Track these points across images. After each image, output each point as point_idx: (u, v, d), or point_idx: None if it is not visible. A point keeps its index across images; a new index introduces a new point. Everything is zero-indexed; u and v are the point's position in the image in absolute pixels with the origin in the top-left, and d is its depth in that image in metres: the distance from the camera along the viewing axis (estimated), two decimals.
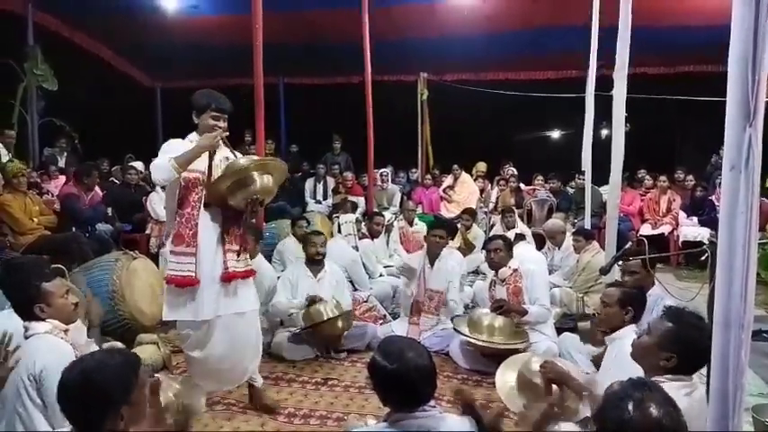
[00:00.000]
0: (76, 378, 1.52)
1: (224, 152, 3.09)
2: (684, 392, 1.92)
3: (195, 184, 2.95)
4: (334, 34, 8.20)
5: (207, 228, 2.97)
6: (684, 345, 1.97)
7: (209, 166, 3.00)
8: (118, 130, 10.13)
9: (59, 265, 3.61)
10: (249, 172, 2.90)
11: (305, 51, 8.99)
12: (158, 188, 6.50)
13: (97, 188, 6.79)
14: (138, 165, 7.59)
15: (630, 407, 1.41)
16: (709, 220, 7.01)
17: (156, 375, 2.50)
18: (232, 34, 6.67)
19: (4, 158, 6.24)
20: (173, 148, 2.93)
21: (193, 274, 2.90)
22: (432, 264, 4.55)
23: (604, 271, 3.11)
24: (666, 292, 3.23)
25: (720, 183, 7.65)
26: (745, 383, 1.42)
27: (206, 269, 2.94)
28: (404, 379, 1.74)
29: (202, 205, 2.96)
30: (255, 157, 3.32)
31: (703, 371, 2.00)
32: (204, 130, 2.99)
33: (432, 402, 1.81)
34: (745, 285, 1.35)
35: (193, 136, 3.06)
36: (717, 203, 7.56)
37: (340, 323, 4.03)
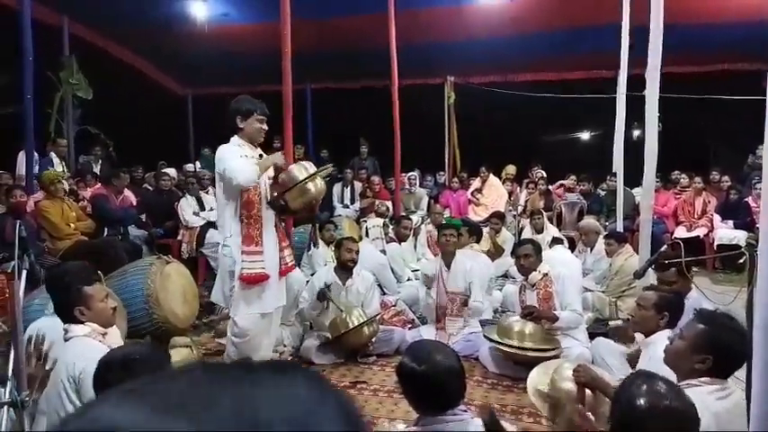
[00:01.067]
0: (117, 358, 1.60)
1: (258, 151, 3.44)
2: (718, 396, 1.88)
3: (257, 188, 3.30)
4: (362, 39, 8.24)
5: (268, 227, 3.34)
6: (719, 346, 1.93)
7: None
8: (151, 137, 10.35)
9: (96, 270, 3.72)
10: (308, 181, 3.31)
11: (332, 57, 9.06)
12: (188, 195, 6.64)
13: (129, 192, 6.98)
14: (171, 171, 7.76)
15: (641, 395, 1.42)
16: (744, 224, 6.80)
17: None
18: (261, 42, 6.77)
19: (58, 168, 6.44)
20: (235, 154, 3.21)
21: (264, 270, 3.28)
22: (448, 266, 4.52)
23: (638, 275, 3.06)
24: (704, 296, 3.14)
25: (754, 185, 7.46)
26: None
27: (270, 265, 3.34)
28: (433, 380, 1.74)
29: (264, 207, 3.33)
30: (308, 166, 3.53)
31: (740, 375, 1.95)
32: (250, 132, 3.31)
33: (462, 407, 1.79)
34: None
35: (237, 140, 3.31)
36: (753, 205, 7.34)
37: (366, 330, 4.03)
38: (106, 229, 5.59)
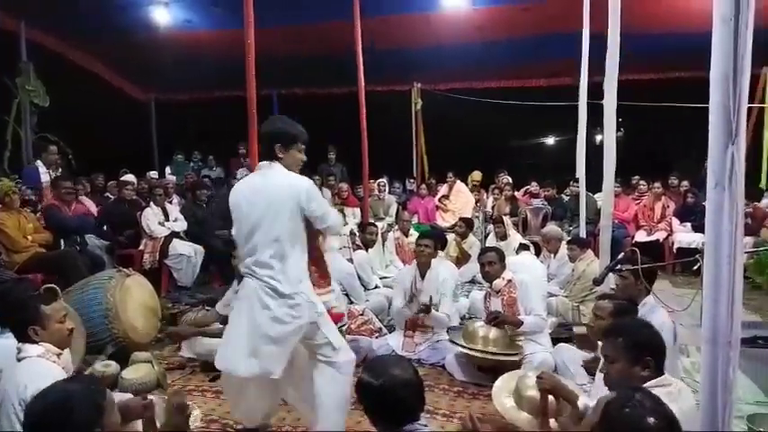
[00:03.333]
0: (43, 416, 1.52)
1: None
2: (671, 399, 1.93)
3: None
4: (328, 46, 8.24)
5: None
6: (648, 345, 2.01)
7: None
8: (112, 144, 10.13)
9: (52, 285, 3.61)
10: None
11: (298, 63, 9.02)
12: (152, 204, 6.50)
13: (88, 201, 6.80)
14: (131, 178, 7.59)
15: (636, 412, 1.44)
16: (701, 226, 7.02)
17: (149, 397, 2.50)
18: (225, 48, 6.70)
19: (45, 177, 6.22)
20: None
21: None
22: (422, 276, 4.54)
23: (597, 282, 3.12)
24: (659, 301, 3.23)
25: None
26: (734, 399, 1.42)
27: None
28: (391, 394, 1.74)
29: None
30: None
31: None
32: (292, 163, 2.77)
33: (423, 421, 1.80)
34: (731, 303, 1.35)
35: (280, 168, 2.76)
36: None
37: None
38: (63, 241, 5.41)
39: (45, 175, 6.34)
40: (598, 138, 8.87)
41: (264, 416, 3.06)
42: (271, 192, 2.64)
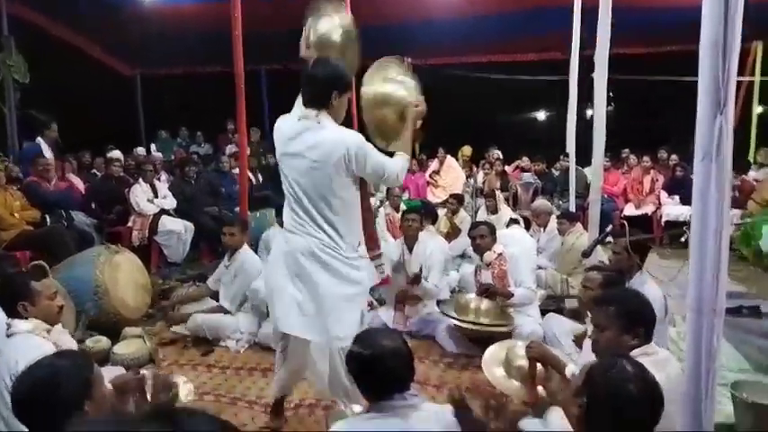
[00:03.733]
0: (30, 393, 1.51)
1: None
2: (657, 367, 1.97)
3: None
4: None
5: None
6: (639, 314, 2.05)
7: None
8: (99, 120, 9.98)
9: (40, 262, 3.60)
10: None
11: (286, 37, 8.86)
12: (141, 180, 6.44)
13: (72, 177, 6.74)
14: (118, 154, 7.50)
15: (618, 377, 1.47)
16: (690, 198, 7.10)
17: (141, 372, 2.51)
18: (212, 22, 6.59)
19: (47, 154, 6.09)
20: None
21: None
22: (410, 250, 4.56)
23: (586, 254, 3.15)
24: (648, 274, 3.27)
25: None
26: (718, 367, 1.45)
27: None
28: (380, 364, 1.75)
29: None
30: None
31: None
32: (339, 113, 2.58)
33: (413, 390, 1.82)
34: (717, 272, 1.37)
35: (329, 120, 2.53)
36: None
37: None
38: (48, 217, 5.35)
39: (48, 152, 6.19)
40: (589, 112, 8.85)
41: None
42: (325, 145, 2.43)
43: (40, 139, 6.28)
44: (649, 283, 3.12)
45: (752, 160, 8.38)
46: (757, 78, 8.56)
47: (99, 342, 3.70)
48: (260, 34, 8.14)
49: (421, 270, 4.39)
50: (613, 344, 2.02)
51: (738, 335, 4.19)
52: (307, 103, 2.52)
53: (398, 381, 1.79)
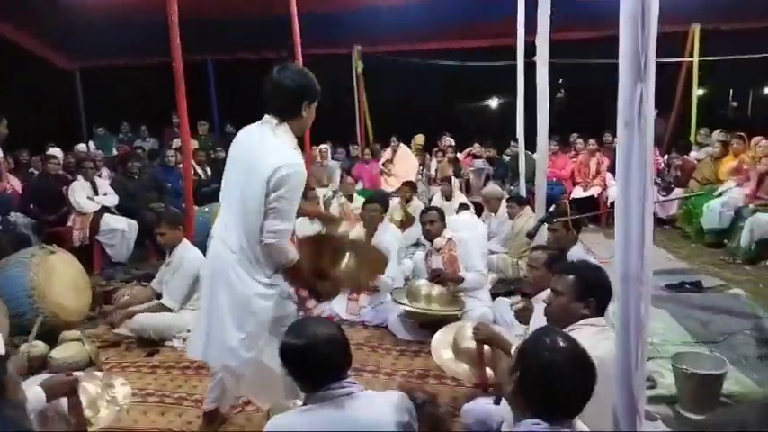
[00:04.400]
0: None
1: None
2: (603, 337, 1.99)
3: None
4: (262, 8, 7.92)
5: None
6: (594, 286, 2.09)
7: None
8: (37, 117, 9.53)
9: None
10: None
11: (232, 27, 8.66)
12: (80, 177, 6.18)
13: (9, 177, 6.42)
14: (57, 152, 7.18)
15: (544, 347, 1.47)
16: None
17: (72, 374, 2.39)
18: (153, 11, 6.33)
19: None
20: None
21: None
22: (369, 239, 4.52)
23: (530, 235, 3.18)
24: (586, 250, 3.33)
25: None
26: (647, 336, 1.45)
27: None
28: (315, 352, 1.69)
29: None
30: None
31: None
32: (306, 124, 2.40)
33: (350, 379, 1.77)
34: (641, 240, 1.37)
35: (288, 132, 2.33)
36: None
37: None
38: None
39: None
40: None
41: None
42: (264, 159, 2.23)
43: None
44: (587, 256, 3.19)
45: (693, 141, 8.67)
46: (696, 60, 8.83)
47: (36, 347, 3.52)
48: (207, 24, 7.92)
49: None
50: (565, 309, 2.10)
51: (681, 309, 4.33)
52: (272, 112, 2.33)
53: (334, 369, 1.73)
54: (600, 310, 2.10)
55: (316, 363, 1.70)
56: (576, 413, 1.46)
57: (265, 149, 2.26)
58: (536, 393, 1.43)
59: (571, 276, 2.13)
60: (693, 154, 7.96)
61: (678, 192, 7.25)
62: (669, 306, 4.38)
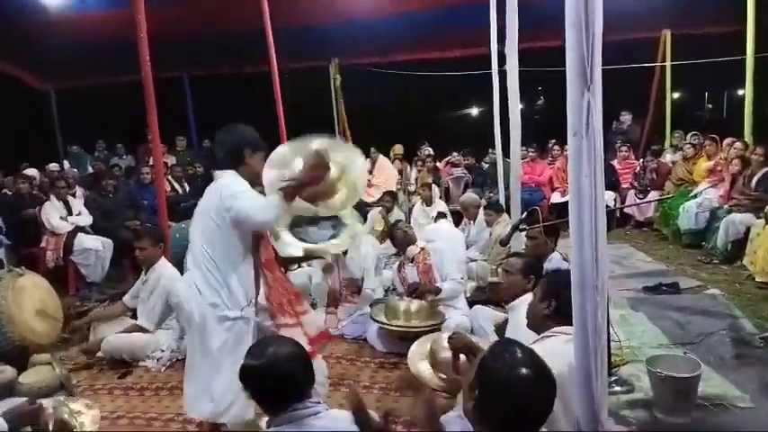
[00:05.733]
0: None
1: None
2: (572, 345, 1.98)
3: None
4: (236, 23, 7.90)
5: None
6: (557, 290, 2.10)
7: None
8: (10, 137, 9.40)
9: None
10: None
11: (207, 42, 8.63)
12: (52, 197, 6.08)
13: None
14: (32, 172, 7.07)
15: (503, 363, 1.44)
16: (610, 184, 7.37)
17: (36, 402, 2.33)
18: (125, 29, 6.29)
19: None
20: (245, 186, 2.48)
21: None
22: (345, 251, 4.50)
23: (503, 242, 3.17)
24: (565, 258, 3.33)
25: (619, 147, 8.05)
26: (605, 343, 1.45)
27: None
28: (274, 372, 1.66)
29: None
30: None
31: None
32: (256, 171, 2.54)
33: (315, 398, 1.73)
34: (595, 247, 1.36)
35: (236, 176, 2.49)
36: (618, 167, 7.95)
37: None
38: None
39: None
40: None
41: None
42: (209, 193, 2.50)
43: None
44: (562, 265, 3.19)
45: (668, 144, 8.78)
46: (668, 64, 8.96)
47: (2, 372, 3.42)
48: (181, 39, 7.88)
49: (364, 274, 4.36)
50: (533, 309, 2.22)
51: (657, 311, 4.36)
52: (219, 166, 2.54)
53: (297, 388, 1.70)
54: (563, 315, 2.06)
55: (276, 382, 1.66)
56: (535, 429, 1.44)
57: (212, 189, 2.49)
58: (495, 410, 1.40)
59: (543, 280, 2.28)
60: (669, 157, 8.06)
61: (654, 194, 7.33)
62: (646, 308, 4.41)
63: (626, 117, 8.97)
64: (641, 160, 8.04)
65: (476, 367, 1.49)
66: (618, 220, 7.57)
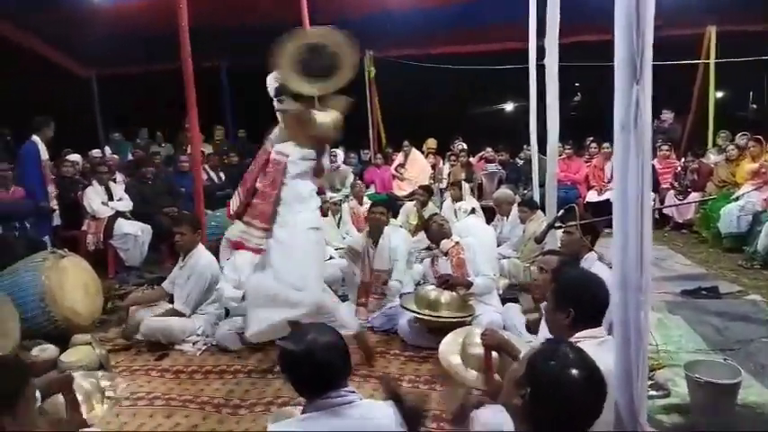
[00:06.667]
0: None
1: None
2: (606, 348, 1.93)
3: None
4: (274, 14, 7.96)
5: None
6: (573, 298, 2.01)
7: None
8: (54, 123, 9.66)
9: None
10: None
11: (245, 33, 8.72)
12: (94, 182, 6.26)
13: None
14: (75, 157, 7.28)
15: (555, 363, 1.41)
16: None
17: (68, 372, 2.40)
18: (166, 17, 6.40)
19: (44, 155, 5.85)
20: None
21: None
22: (375, 243, 4.50)
23: (538, 240, 3.13)
24: (601, 258, 3.27)
25: (660, 146, 7.85)
26: (647, 344, 1.41)
27: None
28: (312, 359, 1.67)
29: None
30: None
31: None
32: None
33: (350, 387, 1.74)
34: (640, 246, 1.33)
35: None
36: (658, 166, 7.76)
37: None
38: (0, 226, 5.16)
39: (45, 153, 5.91)
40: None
41: None
42: None
43: (36, 138, 5.90)
44: (597, 266, 3.12)
45: (710, 144, 8.53)
46: (712, 62, 8.69)
47: (46, 350, 3.55)
48: (220, 31, 8.00)
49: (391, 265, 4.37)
50: (550, 318, 2.07)
51: (696, 316, 4.24)
52: None
53: (333, 376, 1.71)
54: (585, 322, 2.01)
55: (313, 369, 1.68)
56: (585, 429, 1.42)
57: None
58: (546, 410, 1.38)
59: (554, 284, 2.11)
60: (712, 157, 7.82)
61: (695, 196, 7.14)
62: (684, 312, 4.30)
63: (667, 115, 8.73)
64: (682, 160, 7.83)
65: (525, 365, 1.47)
66: (656, 221, 7.40)
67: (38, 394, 2.01)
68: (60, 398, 2.09)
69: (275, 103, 3.40)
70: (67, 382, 1.99)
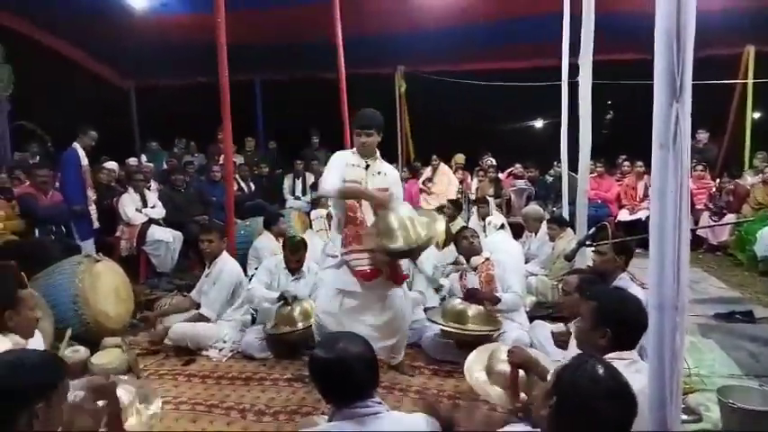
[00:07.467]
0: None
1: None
2: (634, 369, 1.90)
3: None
4: (307, 31, 8.11)
5: None
6: (613, 318, 1.98)
7: None
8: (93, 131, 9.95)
9: (22, 273, 3.57)
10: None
11: (279, 49, 8.90)
12: (130, 189, 6.41)
13: None
14: (112, 165, 7.47)
15: (583, 374, 1.41)
16: None
17: (111, 377, 2.45)
18: (203, 32, 6.59)
19: (83, 161, 5.98)
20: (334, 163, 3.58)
21: None
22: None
23: (568, 258, 3.10)
24: (633, 279, 3.21)
25: (695, 167, 7.70)
26: (681, 367, 1.39)
27: None
28: (341, 368, 1.69)
29: None
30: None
31: None
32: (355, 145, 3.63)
33: (377, 398, 1.75)
34: (677, 266, 1.31)
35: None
36: (692, 186, 7.59)
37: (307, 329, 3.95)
38: (37, 230, 5.31)
39: (84, 158, 6.05)
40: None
41: None
42: None
43: (76, 145, 6.05)
44: (632, 287, 3.05)
45: (747, 166, 8.33)
46: (750, 82, 8.51)
47: (77, 352, 3.62)
48: (255, 46, 8.17)
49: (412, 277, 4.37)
50: (583, 337, 2.03)
51: (730, 340, 4.13)
52: None
53: (359, 386, 1.72)
54: (621, 344, 1.97)
55: (341, 378, 1.69)
56: None
57: None
58: (572, 422, 1.37)
59: (593, 303, 2.05)
60: (749, 179, 7.64)
61: (730, 217, 6.96)
62: (717, 336, 4.19)
63: (702, 135, 8.57)
64: (717, 181, 7.66)
65: (554, 378, 1.46)
66: (690, 243, 7.22)
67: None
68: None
69: None
70: (112, 391, 1.98)
